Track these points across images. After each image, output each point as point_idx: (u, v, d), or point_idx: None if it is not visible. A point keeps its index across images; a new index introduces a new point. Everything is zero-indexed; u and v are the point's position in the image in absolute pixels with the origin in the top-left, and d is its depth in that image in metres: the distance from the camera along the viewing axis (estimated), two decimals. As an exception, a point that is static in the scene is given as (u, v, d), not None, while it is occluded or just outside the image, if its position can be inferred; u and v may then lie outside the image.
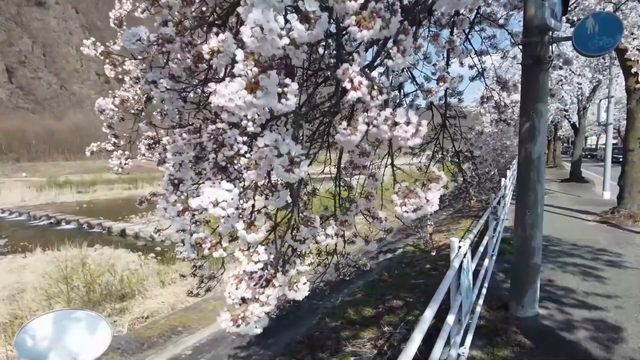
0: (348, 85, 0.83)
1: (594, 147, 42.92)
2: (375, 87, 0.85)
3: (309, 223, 1.12)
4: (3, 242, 17.86)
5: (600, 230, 7.93)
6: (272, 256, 0.98)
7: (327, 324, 5.29)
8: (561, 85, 16.30)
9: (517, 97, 3.90)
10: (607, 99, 12.94)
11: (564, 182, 16.99)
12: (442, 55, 3.09)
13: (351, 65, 0.81)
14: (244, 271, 0.91)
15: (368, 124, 0.87)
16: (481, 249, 4.42)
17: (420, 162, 3.74)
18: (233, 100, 0.69)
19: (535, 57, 3.52)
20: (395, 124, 0.86)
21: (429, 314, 1.62)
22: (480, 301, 3.98)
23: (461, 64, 3.80)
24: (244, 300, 0.95)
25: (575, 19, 7.07)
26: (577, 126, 19.76)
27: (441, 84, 1.55)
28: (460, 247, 2.59)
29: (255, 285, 0.91)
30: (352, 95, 0.83)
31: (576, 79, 15.61)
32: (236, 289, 0.91)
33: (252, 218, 0.91)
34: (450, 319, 2.20)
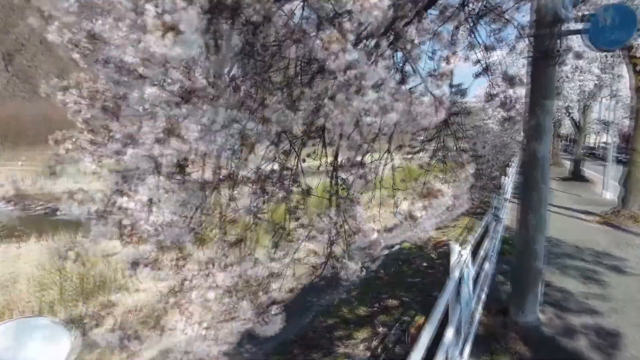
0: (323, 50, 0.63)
1: (593, 145, 42.71)
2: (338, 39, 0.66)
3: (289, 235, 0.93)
4: (-2, 230, 17.72)
5: (602, 231, 7.80)
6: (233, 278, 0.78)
7: (321, 322, 5.17)
8: (564, 82, 16.09)
9: (521, 92, 3.72)
10: (610, 97, 12.75)
11: (564, 181, 16.85)
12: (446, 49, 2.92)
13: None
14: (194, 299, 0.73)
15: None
16: (481, 251, 4.27)
17: (421, 159, 3.58)
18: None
19: (544, 50, 3.33)
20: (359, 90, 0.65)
21: (426, 338, 1.47)
22: (480, 307, 3.83)
23: (466, 58, 3.64)
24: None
25: (580, 14, 6.86)
26: (579, 124, 19.58)
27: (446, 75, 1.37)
28: (461, 254, 2.43)
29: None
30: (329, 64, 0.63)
31: (579, 75, 15.40)
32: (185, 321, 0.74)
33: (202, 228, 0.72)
34: (450, 333, 2.05)
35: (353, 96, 0.75)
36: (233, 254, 1.00)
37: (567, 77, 15.74)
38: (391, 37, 2.05)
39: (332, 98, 1.21)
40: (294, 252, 2.83)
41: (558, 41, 3.44)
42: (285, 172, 2.58)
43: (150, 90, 0.77)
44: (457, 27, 2.72)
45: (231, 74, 1.97)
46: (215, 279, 0.83)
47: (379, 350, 4.23)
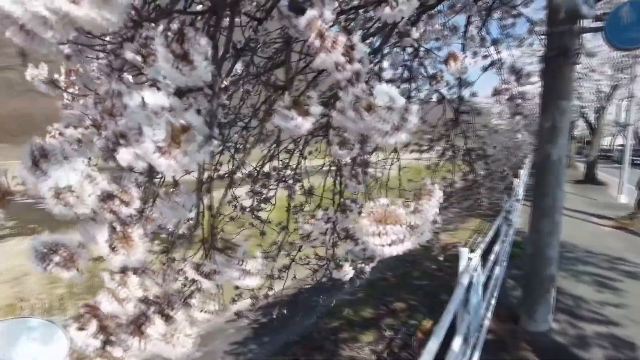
0: (317, 42, 0.54)
1: (608, 147, 41.83)
2: (345, 47, 0.56)
3: (228, 249, 0.75)
4: (12, 223, 18.00)
5: (617, 236, 7.58)
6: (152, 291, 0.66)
7: (326, 324, 5.10)
8: (580, 82, 15.72)
9: (528, 87, 3.59)
10: (627, 99, 12.43)
11: (577, 184, 16.49)
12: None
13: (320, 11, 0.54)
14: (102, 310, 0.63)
15: (327, 104, 0.59)
16: (491, 255, 4.14)
17: (430, 159, 3.48)
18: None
19: (560, 48, 3.19)
20: (370, 107, 0.55)
21: (433, 346, 1.38)
22: (489, 313, 3.71)
23: (475, 53, 3.51)
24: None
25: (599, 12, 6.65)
26: (594, 126, 19.16)
27: (452, 62, 1.27)
28: (470, 258, 2.33)
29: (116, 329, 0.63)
30: (322, 59, 0.55)
31: (596, 76, 15.03)
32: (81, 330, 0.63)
33: (126, 228, 0.61)
34: (457, 343, 1.96)
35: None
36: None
37: (583, 76, 15.38)
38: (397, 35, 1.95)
39: (335, 96, 1.13)
40: (296, 253, 2.76)
41: (577, 38, 3.30)
42: (287, 171, 2.51)
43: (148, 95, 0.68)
44: (467, 24, 2.62)
45: (233, 70, 1.91)
46: (200, 285, 0.73)
47: (385, 354, 4.14)
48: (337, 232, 1.34)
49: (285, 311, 3.39)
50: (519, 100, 3.09)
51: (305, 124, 0.61)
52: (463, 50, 2.87)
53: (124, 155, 0.52)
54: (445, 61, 1.50)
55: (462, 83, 2.96)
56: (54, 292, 8.20)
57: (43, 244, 0.65)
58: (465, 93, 3.03)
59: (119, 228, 0.61)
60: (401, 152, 2.97)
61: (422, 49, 2.32)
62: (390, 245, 0.62)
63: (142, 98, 0.51)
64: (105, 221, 0.61)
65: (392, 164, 2.80)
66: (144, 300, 0.64)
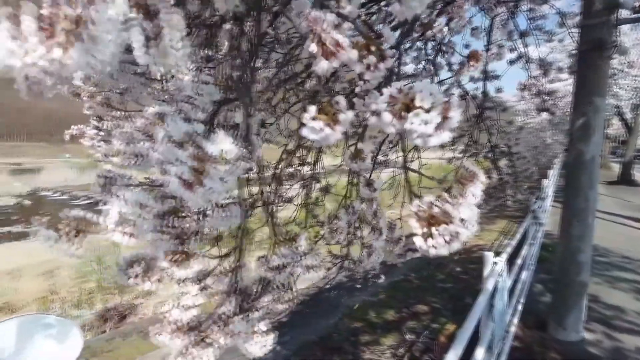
0: (315, 48, 0.50)
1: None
2: (373, 47, 0.53)
3: (292, 241, 0.80)
4: (46, 219, 18.80)
5: (655, 241, 7.18)
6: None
7: (346, 325, 5.04)
8: (615, 78, 15.00)
9: (558, 85, 3.42)
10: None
11: (611, 185, 15.78)
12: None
13: (324, 12, 0.50)
14: (168, 318, 0.64)
15: (353, 108, 0.55)
16: (518, 259, 3.97)
17: (453, 156, 3.37)
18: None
19: (595, 41, 3.01)
20: (408, 109, 0.50)
21: (455, 354, 1.31)
22: (515, 319, 3.55)
23: (500, 46, 3.37)
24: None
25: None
26: (631, 124, 18.27)
27: (473, 62, 1.19)
28: (495, 263, 2.22)
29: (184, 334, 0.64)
30: (322, 66, 0.50)
31: (634, 71, 14.30)
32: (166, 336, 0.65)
33: (183, 245, 0.62)
34: (480, 353, 1.86)
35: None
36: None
37: (619, 72, 14.67)
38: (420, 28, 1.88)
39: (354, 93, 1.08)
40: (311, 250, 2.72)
41: (611, 31, 3.11)
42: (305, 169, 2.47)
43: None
44: (494, 16, 2.51)
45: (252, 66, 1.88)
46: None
47: (406, 358, 4.05)
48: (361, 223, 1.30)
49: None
50: (546, 96, 2.96)
51: (334, 135, 0.55)
52: (488, 43, 2.76)
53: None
54: (467, 60, 1.43)
55: (487, 77, 2.85)
56: (83, 287, 8.50)
57: (125, 260, 0.71)
58: (491, 88, 2.92)
59: (177, 244, 0.64)
60: (422, 149, 2.88)
61: (445, 41, 2.24)
62: (445, 244, 0.58)
63: (165, 130, 0.51)
64: (165, 240, 0.64)
65: (412, 161, 2.72)
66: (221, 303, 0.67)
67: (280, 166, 2.31)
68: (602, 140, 3.44)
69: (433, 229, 0.57)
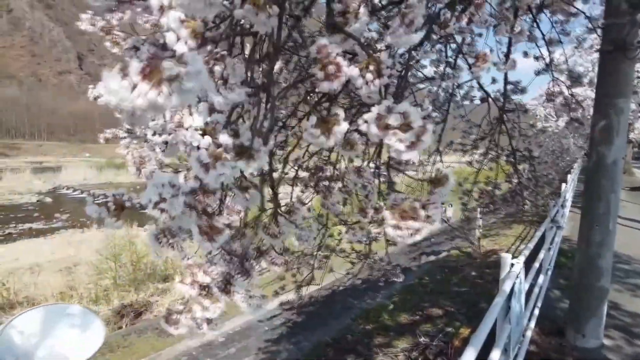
0: (320, 74, 0.59)
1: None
2: (372, 64, 0.62)
3: (290, 213, 0.95)
4: (65, 216, 19.27)
5: (679, 248, 6.96)
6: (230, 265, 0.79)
7: (360, 327, 5.04)
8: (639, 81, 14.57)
9: (578, 90, 3.35)
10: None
11: (634, 191, 15.36)
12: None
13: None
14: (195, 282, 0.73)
15: (351, 122, 0.64)
16: (535, 263, 3.91)
17: (473, 159, 3.33)
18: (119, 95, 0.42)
19: (618, 41, 2.95)
20: (387, 127, 0.60)
21: (470, 355, 1.30)
22: (532, 324, 3.49)
23: (525, 54, 3.32)
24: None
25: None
26: (655, 129, 17.76)
27: (480, 63, 1.22)
28: (512, 264, 2.20)
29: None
30: (323, 87, 0.60)
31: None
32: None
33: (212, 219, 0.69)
34: (496, 355, 1.84)
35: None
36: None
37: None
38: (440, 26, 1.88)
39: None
40: (334, 250, 2.75)
41: (636, 32, 3.04)
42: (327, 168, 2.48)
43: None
44: (516, 17, 2.48)
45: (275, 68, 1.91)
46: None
47: (419, 360, 4.03)
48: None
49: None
50: (575, 105, 2.91)
51: (329, 141, 0.66)
52: (509, 46, 2.73)
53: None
54: (475, 61, 1.44)
55: (508, 82, 2.82)
56: (100, 283, 8.65)
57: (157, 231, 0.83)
58: (510, 90, 2.88)
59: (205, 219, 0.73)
60: (445, 153, 2.88)
61: (466, 42, 2.23)
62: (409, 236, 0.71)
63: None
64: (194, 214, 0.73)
65: (433, 164, 2.71)
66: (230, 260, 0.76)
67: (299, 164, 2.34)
68: (625, 143, 3.36)
69: (402, 222, 0.70)
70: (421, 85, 2.78)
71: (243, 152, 0.61)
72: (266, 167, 0.90)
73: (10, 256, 11.57)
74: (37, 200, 24.47)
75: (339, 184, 2.41)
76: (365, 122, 0.60)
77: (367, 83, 0.63)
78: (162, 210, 0.64)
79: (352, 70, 0.60)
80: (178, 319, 0.79)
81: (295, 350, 4.94)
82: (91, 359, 1.54)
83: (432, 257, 8.54)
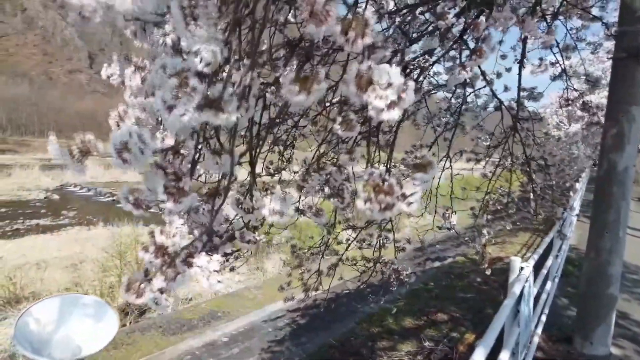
0: (306, 12, 0.57)
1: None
2: (356, 22, 0.59)
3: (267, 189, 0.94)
4: (72, 214, 19.40)
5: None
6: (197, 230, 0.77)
7: (364, 330, 5.02)
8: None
9: (590, 97, 3.34)
10: None
11: (643, 201, 15.19)
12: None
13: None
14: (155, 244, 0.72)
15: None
16: (543, 270, 3.88)
17: (484, 168, 3.31)
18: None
19: (631, 49, 2.94)
20: (370, 83, 0.58)
21: (480, 354, 1.29)
22: (539, 330, 3.47)
23: (540, 60, 3.32)
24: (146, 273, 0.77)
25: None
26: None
27: (475, 57, 1.22)
28: (522, 268, 2.19)
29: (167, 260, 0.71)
30: (311, 29, 0.57)
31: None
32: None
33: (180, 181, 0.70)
34: (505, 356, 1.83)
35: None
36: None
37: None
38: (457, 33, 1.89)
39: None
40: (344, 254, 2.75)
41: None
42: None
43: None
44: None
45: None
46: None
47: (424, 365, 4.01)
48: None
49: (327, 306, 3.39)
50: (595, 109, 2.90)
51: (309, 100, 0.65)
52: (523, 54, 2.73)
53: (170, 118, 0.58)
54: (471, 54, 1.43)
55: (522, 89, 2.82)
56: (105, 280, 8.70)
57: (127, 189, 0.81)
58: (525, 97, 2.88)
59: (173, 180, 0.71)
60: (455, 160, 2.87)
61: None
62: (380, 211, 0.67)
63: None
64: (161, 174, 0.72)
65: (442, 170, 2.70)
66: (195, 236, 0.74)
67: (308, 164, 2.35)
68: (636, 151, 3.34)
69: (373, 195, 0.67)
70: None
71: (211, 102, 0.59)
72: (241, 127, 0.88)
73: (18, 251, 11.66)
74: (45, 197, 24.65)
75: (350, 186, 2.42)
76: (345, 83, 0.59)
77: (348, 42, 0.60)
78: (125, 161, 0.64)
79: (334, 27, 0.58)
80: (142, 289, 0.76)
81: (299, 351, 4.94)
82: (103, 350, 1.56)
83: (438, 263, 8.50)
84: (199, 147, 0.82)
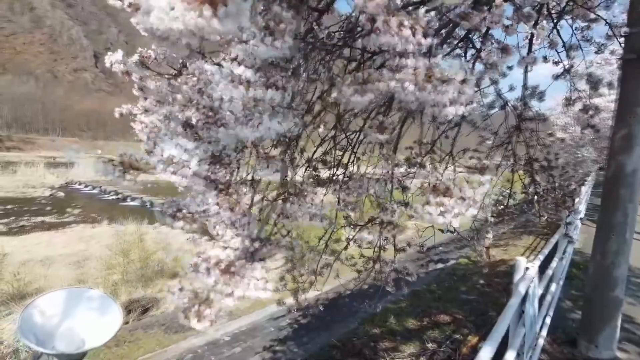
0: (381, 25, 0.55)
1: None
2: (415, 24, 0.57)
3: (302, 194, 0.93)
4: (77, 212, 19.52)
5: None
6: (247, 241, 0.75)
7: (366, 331, 5.01)
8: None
9: (598, 100, 3.31)
10: None
11: (649, 205, 15.05)
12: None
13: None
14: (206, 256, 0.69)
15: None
16: (548, 271, 3.85)
17: (487, 168, 3.28)
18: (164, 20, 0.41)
19: (640, 50, 2.92)
20: (429, 79, 0.56)
21: (486, 355, 1.28)
22: (544, 332, 3.44)
23: (545, 58, 3.30)
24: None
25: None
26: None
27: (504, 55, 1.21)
28: (527, 268, 2.17)
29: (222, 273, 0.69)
30: (386, 40, 0.55)
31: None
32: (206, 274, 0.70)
33: (229, 189, 0.68)
34: (510, 356, 1.81)
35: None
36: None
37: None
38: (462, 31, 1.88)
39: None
40: (341, 252, 2.73)
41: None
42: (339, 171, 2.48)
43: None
44: (536, 23, 2.47)
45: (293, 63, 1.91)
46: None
47: (426, 366, 3.99)
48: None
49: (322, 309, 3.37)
50: (593, 112, 2.87)
51: (364, 101, 0.65)
52: (529, 51, 2.71)
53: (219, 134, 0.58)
54: (500, 52, 1.43)
55: (527, 88, 2.80)
56: (109, 278, 8.74)
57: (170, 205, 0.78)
58: (528, 96, 2.86)
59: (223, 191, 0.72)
60: (457, 160, 2.84)
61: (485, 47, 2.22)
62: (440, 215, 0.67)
63: (231, 70, 0.57)
64: (210, 185, 0.71)
65: (446, 168, 2.68)
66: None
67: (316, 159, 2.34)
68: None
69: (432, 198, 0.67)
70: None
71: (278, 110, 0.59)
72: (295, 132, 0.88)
73: (23, 248, 11.75)
74: (50, 195, 24.82)
75: (356, 183, 2.41)
76: (399, 81, 0.57)
77: (406, 39, 0.57)
78: (174, 173, 0.63)
79: (406, 33, 0.56)
80: (202, 312, 0.73)
81: (300, 351, 4.94)
82: (108, 343, 1.56)
83: (440, 265, 8.48)
84: (246, 157, 0.82)
